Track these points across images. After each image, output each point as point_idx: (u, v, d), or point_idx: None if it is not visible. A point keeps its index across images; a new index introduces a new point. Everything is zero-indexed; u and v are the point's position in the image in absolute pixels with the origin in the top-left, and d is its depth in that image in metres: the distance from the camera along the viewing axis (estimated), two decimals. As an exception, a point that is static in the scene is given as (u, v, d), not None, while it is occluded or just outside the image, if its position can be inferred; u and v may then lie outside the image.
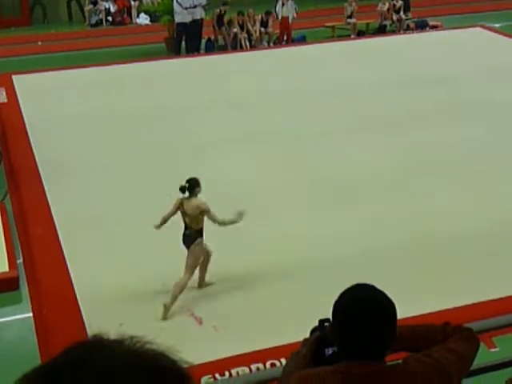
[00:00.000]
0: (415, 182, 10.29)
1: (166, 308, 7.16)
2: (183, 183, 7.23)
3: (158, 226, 7.40)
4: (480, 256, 8.32)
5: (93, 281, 7.95)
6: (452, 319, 6.98)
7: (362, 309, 2.71)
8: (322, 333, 2.96)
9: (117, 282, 7.88)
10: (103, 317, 7.25)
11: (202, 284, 7.70)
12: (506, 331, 6.93)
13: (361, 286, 2.82)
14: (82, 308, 7.45)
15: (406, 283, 7.67)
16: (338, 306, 2.75)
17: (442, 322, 3.07)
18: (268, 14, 19.60)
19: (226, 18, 19.19)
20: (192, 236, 7.26)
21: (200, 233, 7.27)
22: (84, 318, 7.28)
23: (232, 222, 7.28)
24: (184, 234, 7.32)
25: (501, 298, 7.39)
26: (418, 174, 10.53)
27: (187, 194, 7.23)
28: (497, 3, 23.82)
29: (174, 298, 7.20)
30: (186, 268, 7.26)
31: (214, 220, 7.19)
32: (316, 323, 3.07)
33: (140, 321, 7.07)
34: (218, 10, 19.11)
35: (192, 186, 7.21)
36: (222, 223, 7.24)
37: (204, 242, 7.34)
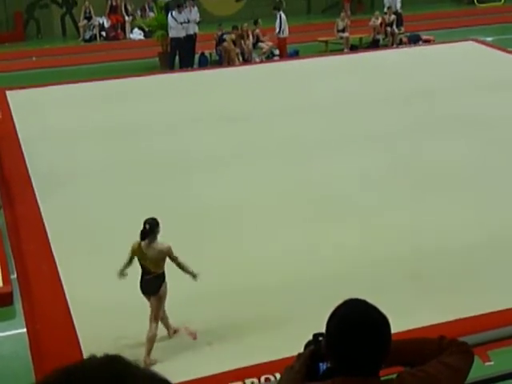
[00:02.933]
0: (407, 196, 10.31)
1: (147, 364, 6.62)
2: (144, 227, 6.77)
3: (121, 275, 6.98)
4: (472, 270, 8.33)
5: (87, 295, 7.93)
6: (446, 332, 6.98)
7: (355, 324, 2.71)
8: (316, 347, 2.95)
9: (111, 297, 7.85)
10: (97, 331, 7.24)
11: (171, 332, 7.28)
12: (500, 345, 6.93)
13: (353, 300, 2.81)
14: (75, 323, 7.43)
15: (401, 296, 7.68)
16: (332, 321, 2.75)
17: (437, 336, 3.06)
18: (256, 23, 19.74)
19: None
20: (155, 282, 6.83)
21: (163, 277, 6.89)
22: (78, 332, 7.25)
23: (190, 273, 6.97)
24: (144, 280, 6.90)
25: (496, 311, 7.39)
26: (411, 188, 10.55)
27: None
28: (488, 18, 23.96)
29: (149, 352, 6.80)
30: (151, 318, 6.86)
31: (178, 264, 6.88)
32: (310, 337, 3.06)
33: (134, 336, 7.05)
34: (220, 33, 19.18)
35: (152, 228, 6.79)
36: (183, 268, 6.92)
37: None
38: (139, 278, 6.90)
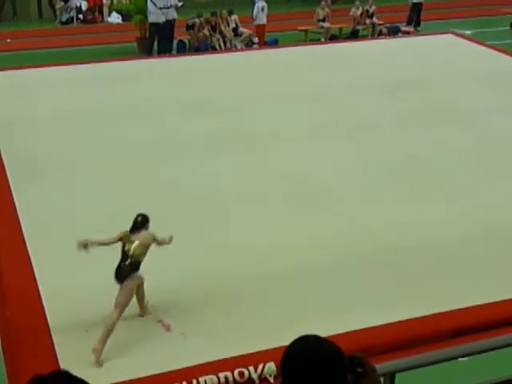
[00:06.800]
0: (386, 188, 10.27)
1: (96, 351, 6.45)
2: (137, 219, 6.91)
3: (86, 245, 6.87)
4: (451, 267, 8.31)
5: (59, 282, 7.80)
6: (426, 325, 6.98)
7: (309, 360, 2.71)
8: None
9: (84, 283, 7.72)
10: (69, 319, 7.14)
11: (144, 313, 7.20)
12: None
13: (307, 337, 2.82)
14: (46, 311, 7.30)
15: (380, 291, 7.65)
16: (286, 360, 2.76)
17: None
18: (231, 13, 19.66)
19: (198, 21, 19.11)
20: (128, 269, 6.78)
21: (138, 266, 6.83)
22: (49, 320, 7.13)
23: (167, 242, 7.09)
24: (119, 267, 6.83)
25: (474, 306, 7.38)
26: (390, 180, 10.51)
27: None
28: (467, 10, 24.02)
29: (104, 341, 6.55)
30: (116, 306, 6.72)
31: (159, 243, 7.00)
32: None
33: (105, 321, 6.95)
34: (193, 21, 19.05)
35: (143, 222, 6.94)
36: (162, 243, 7.05)
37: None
38: (116, 264, 6.89)
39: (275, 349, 5.92)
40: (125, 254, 6.84)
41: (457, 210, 9.58)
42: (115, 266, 6.85)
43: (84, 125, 12.73)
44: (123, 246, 6.87)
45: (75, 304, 7.45)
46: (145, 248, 6.85)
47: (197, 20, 18.75)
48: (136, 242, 6.82)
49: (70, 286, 7.74)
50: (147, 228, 6.95)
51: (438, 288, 7.77)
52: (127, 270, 6.80)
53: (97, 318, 7.12)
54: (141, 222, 6.91)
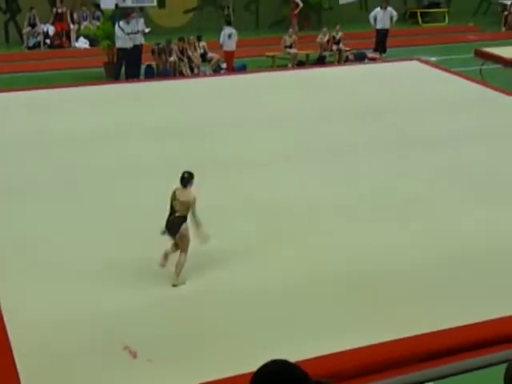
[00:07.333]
0: (355, 212, 10.30)
1: (176, 282, 8.16)
2: (184, 175, 8.24)
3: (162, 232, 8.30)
4: (414, 292, 8.34)
5: (23, 309, 7.71)
6: (391, 352, 6.97)
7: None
8: None
9: (48, 307, 7.69)
10: (32, 347, 7.05)
11: (176, 281, 8.25)
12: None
13: (274, 362, 2.81)
14: (10, 337, 7.20)
15: (346, 316, 7.65)
16: None
17: None
18: (199, 39, 19.76)
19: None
20: (178, 221, 8.15)
21: (185, 218, 8.17)
22: (13, 349, 7.03)
23: (201, 232, 8.23)
24: (169, 220, 8.22)
25: (443, 330, 7.40)
26: (357, 204, 10.55)
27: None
28: (433, 38, 24.37)
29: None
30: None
31: (193, 212, 8.14)
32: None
33: (65, 350, 6.88)
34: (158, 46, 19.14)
35: (188, 178, 8.24)
36: (195, 217, 8.18)
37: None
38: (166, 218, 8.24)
39: (243, 375, 5.87)
40: (172, 210, 8.22)
41: (420, 236, 9.63)
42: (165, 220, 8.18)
43: (47, 149, 12.61)
44: (171, 203, 8.22)
45: (39, 330, 7.37)
46: (186, 206, 8.15)
47: (161, 45, 18.81)
48: (179, 200, 8.16)
49: (33, 311, 7.67)
50: (192, 184, 8.23)
51: (407, 312, 7.79)
52: (177, 222, 8.17)
53: (58, 342, 7.06)
54: (187, 179, 8.25)
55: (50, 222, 9.88)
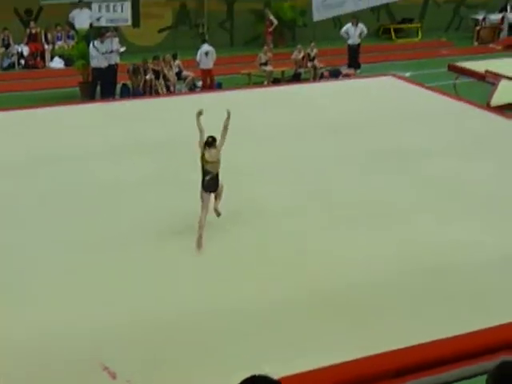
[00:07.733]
0: (331, 225, 10.34)
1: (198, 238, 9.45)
2: (208, 139, 9.56)
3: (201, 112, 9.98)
4: (399, 304, 8.37)
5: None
6: (369, 367, 6.96)
7: None
8: None
9: (23, 331, 7.60)
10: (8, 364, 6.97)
11: (218, 212, 9.89)
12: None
13: (254, 377, 2.81)
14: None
15: (326, 331, 7.65)
16: None
17: None
18: (175, 57, 19.74)
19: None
20: (215, 180, 9.64)
21: (217, 175, 9.66)
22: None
23: (227, 124, 9.94)
24: (206, 181, 9.57)
25: (418, 345, 7.41)
26: (333, 218, 10.60)
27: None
28: (407, 53, 24.58)
29: (202, 227, 9.51)
30: (217, 200, 9.82)
31: (223, 135, 9.83)
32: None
33: (46, 371, 6.80)
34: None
35: (211, 142, 9.57)
36: (226, 127, 9.92)
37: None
38: (201, 179, 9.62)
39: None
40: (205, 171, 9.58)
41: (406, 248, 9.69)
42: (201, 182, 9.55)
43: (23, 170, 12.50)
44: (203, 166, 9.60)
45: (20, 353, 7.29)
46: (215, 164, 9.55)
47: (136, 65, 18.78)
48: (210, 163, 9.50)
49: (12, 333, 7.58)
50: (215, 146, 9.58)
51: (393, 326, 7.81)
52: (215, 180, 9.62)
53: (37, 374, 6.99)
54: (210, 142, 9.59)
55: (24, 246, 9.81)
